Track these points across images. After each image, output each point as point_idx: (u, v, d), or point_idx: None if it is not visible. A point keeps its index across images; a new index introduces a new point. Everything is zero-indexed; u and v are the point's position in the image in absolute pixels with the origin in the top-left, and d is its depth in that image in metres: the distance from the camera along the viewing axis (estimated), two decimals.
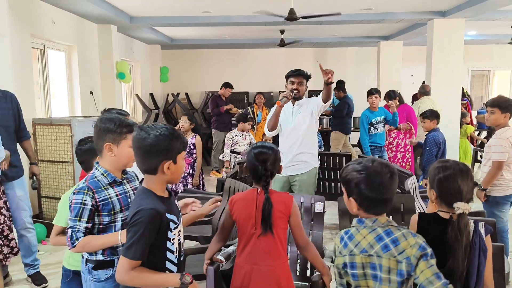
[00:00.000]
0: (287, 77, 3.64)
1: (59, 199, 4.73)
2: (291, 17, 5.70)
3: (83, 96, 6.54)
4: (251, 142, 6.02)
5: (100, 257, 1.90)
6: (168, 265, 1.73)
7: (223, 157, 5.96)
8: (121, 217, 1.93)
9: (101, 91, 7.19)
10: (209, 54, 11.61)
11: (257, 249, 2.00)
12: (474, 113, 8.36)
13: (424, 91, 6.64)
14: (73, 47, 6.35)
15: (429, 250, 1.54)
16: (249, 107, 7.86)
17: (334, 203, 3.93)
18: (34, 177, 3.70)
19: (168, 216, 1.68)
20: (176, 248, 1.75)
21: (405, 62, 10.55)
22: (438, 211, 1.82)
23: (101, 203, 1.87)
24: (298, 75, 3.58)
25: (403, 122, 5.89)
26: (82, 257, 1.97)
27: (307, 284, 2.50)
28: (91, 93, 6.81)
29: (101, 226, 1.89)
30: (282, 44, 9.21)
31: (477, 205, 3.83)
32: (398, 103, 6.12)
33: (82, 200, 1.83)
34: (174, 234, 1.72)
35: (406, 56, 10.59)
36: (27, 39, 5.02)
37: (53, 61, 6.03)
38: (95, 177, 1.91)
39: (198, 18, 7.35)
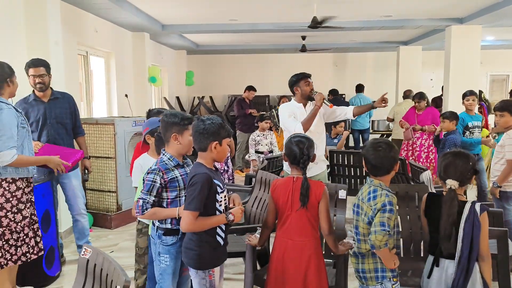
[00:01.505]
0: (300, 79, 3.69)
1: (103, 191, 5.25)
2: (314, 25, 6.07)
3: (119, 98, 7.06)
4: (271, 141, 6.40)
5: (168, 225, 2.35)
6: None
7: (249, 157, 6.35)
8: (185, 193, 2.35)
9: (134, 94, 7.70)
10: (232, 59, 12.07)
11: (292, 226, 2.37)
12: (491, 117, 8.54)
13: (405, 95, 7.95)
14: (111, 53, 6.88)
15: (388, 208, 2.11)
16: (273, 110, 8.25)
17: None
18: (86, 170, 4.16)
19: (215, 181, 2.21)
20: (223, 210, 2.27)
21: (424, 66, 10.78)
22: (443, 191, 2.20)
23: (169, 181, 2.32)
24: (310, 77, 3.76)
25: (428, 124, 6.09)
26: (153, 224, 2.42)
27: (331, 260, 2.86)
28: (126, 95, 7.31)
29: (169, 200, 2.35)
30: (303, 49, 9.59)
31: None
32: (425, 105, 6.31)
33: (153, 179, 2.29)
34: (221, 197, 2.24)
35: (426, 61, 10.81)
36: (74, 47, 5.55)
37: (93, 66, 6.56)
38: (163, 161, 2.36)
39: (225, 26, 7.80)
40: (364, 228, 2.23)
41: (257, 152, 6.33)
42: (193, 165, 2.28)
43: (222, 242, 2.28)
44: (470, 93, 5.25)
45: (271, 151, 6.31)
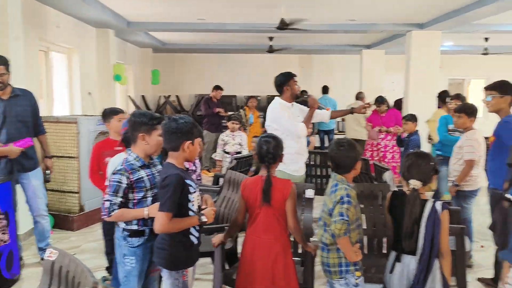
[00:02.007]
0: (290, 78, 3.70)
1: (64, 192, 5.08)
2: (282, 26, 6.15)
3: (82, 96, 6.86)
4: (240, 142, 6.39)
5: (134, 226, 2.31)
6: None
7: (215, 156, 6.36)
8: (151, 194, 2.33)
9: (99, 92, 7.51)
10: (199, 58, 12.00)
11: (260, 224, 2.41)
12: None
13: (356, 97, 8.16)
14: (73, 49, 6.68)
15: (345, 199, 2.25)
16: (241, 110, 8.26)
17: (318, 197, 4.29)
18: (48, 170, 4.02)
19: (187, 181, 2.18)
20: (196, 209, 2.25)
21: (387, 69, 11.12)
22: (406, 190, 2.30)
23: (135, 182, 2.28)
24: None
25: (392, 125, 6.31)
26: (118, 226, 2.36)
27: (299, 259, 2.91)
28: (89, 93, 7.12)
29: (135, 200, 2.31)
30: (270, 50, 9.66)
31: None
32: (386, 108, 6.52)
33: (119, 179, 2.25)
34: (193, 197, 2.22)
35: (388, 64, 11.15)
36: (35, 42, 5.35)
37: (54, 62, 6.35)
38: (129, 161, 2.31)
39: (192, 25, 7.75)
40: (327, 220, 2.33)
41: (224, 152, 6.32)
42: (164, 166, 2.26)
43: (196, 242, 2.27)
44: (456, 96, 5.29)
45: (239, 152, 6.30)
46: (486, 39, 9.37)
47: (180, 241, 2.21)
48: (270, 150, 2.41)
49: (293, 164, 3.59)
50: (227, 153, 6.26)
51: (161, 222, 2.11)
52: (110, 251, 3.19)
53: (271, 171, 2.43)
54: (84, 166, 4.95)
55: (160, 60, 11.73)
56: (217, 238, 2.62)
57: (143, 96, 10.80)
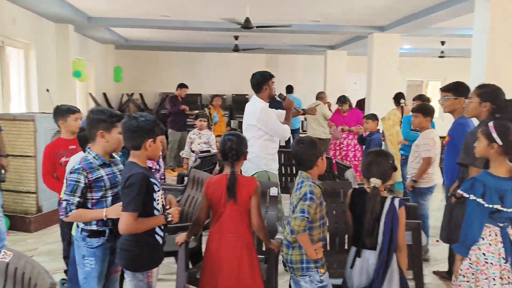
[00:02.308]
0: (269, 78, 3.69)
1: (20, 192, 4.88)
2: (247, 25, 6.17)
3: (40, 93, 6.62)
4: (206, 141, 6.34)
5: (94, 227, 2.24)
6: None
7: (182, 154, 6.31)
8: (111, 193, 2.27)
9: (57, 89, 7.26)
10: (163, 56, 11.82)
11: (225, 223, 2.41)
12: None
13: (316, 96, 7.80)
14: (31, 44, 6.42)
15: (308, 196, 2.28)
16: (206, 108, 8.20)
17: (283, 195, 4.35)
18: (3, 169, 3.85)
19: (152, 180, 2.16)
20: (160, 208, 2.22)
21: (350, 70, 11.38)
22: (366, 187, 2.37)
23: (94, 181, 2.21)
24: None
25: (353, 124, 6.47)
26: (78, 226, 2.29)
27: (263, 256, 2.93)
28: (47, 90, 6.87)
29: (93, 200, 2.24)
30: (236, 49, 9.66)
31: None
32: (348, 107, 6.68)
33: (76, 178, 2.17)
34: (158, 196, 2.19)
35: (351, 65, 11.42)
36: None
37: (10, 58, 6.08)
38: (88, 159, 2.24)
39: (156, 21, 7.64)
40: (291, 217, 2.36)
41: (191, 150, 6.27)
42: (127, 165, 2.20)
43: (161, 241, 2.24)
44: (418, 97, 5.50)
45: (206, 151, 6.25)
46: (443, 42, 9.77)
47: (145, 241, 2.17)
48: (233, 147, 2.40)
49: (274, 163, 3.73)
50: (193, 151, 6.21)
51: (126, 222, 2.06)
52: (67, 255, 3.09)
53: (235, 168, 2.43)
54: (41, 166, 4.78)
55: (123, 57, 11.48)
56: (180, 237, 2.60)
57: (104, 94, 10.53)
